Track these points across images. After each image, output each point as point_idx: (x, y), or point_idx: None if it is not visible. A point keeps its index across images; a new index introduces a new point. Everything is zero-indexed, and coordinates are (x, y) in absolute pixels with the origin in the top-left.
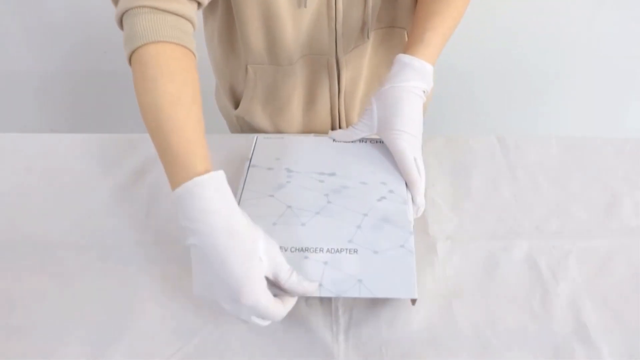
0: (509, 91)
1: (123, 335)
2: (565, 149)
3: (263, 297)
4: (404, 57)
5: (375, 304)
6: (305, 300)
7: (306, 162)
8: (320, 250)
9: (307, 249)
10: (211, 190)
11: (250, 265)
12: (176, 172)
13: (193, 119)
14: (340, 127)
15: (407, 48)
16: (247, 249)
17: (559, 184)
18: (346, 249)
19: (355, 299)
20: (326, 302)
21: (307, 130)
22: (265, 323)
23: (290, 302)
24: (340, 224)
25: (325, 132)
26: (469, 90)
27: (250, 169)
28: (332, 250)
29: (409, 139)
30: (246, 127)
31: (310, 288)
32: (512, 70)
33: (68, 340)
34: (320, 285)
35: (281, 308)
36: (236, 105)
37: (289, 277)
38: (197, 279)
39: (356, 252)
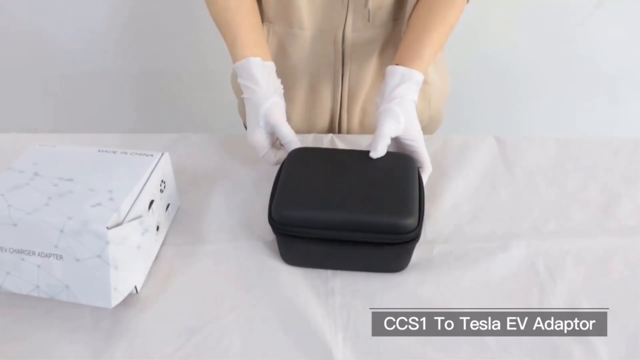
0: (507, 91)
1: (123, 335)
2: (563, 149)
3: (258, 139)
4: (407, 71)
5: (374, 303)
6: (305, 299)
7: (57, 168)
8: (32, 253)
9: (22, 251)
10: (254, 67)
11: (257, 120)
12: (236, 53)
13: (247, 22)
14: (340, 119)
15: (409, 61)
16: (259, 112)
17: (557, 184)
18: (54, 254)
19: (353, 298)
20: (324, 301)
21: (307, 114)
22: (261, 153)
23: (278, 155)
24: (47, 227)
25: (324, 121)
26: (467, 90)
27: (5, 171)
28: (42, 255)
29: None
30: None
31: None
32: (510, 71)
33: (68, 340)
34: (37, 287)
35: (271, 155)
36: None
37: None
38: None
39: (62, 258)
